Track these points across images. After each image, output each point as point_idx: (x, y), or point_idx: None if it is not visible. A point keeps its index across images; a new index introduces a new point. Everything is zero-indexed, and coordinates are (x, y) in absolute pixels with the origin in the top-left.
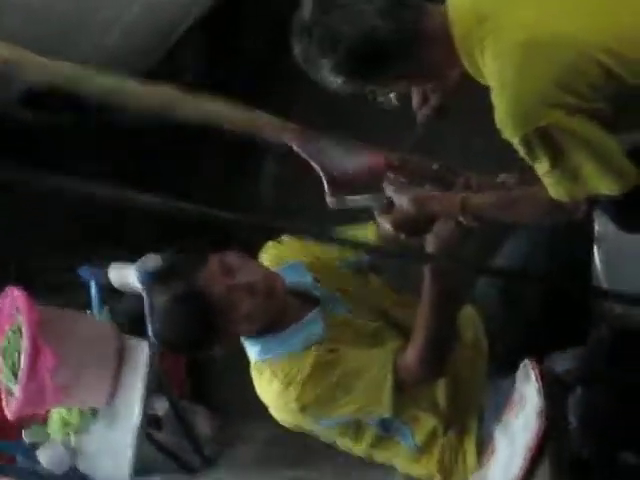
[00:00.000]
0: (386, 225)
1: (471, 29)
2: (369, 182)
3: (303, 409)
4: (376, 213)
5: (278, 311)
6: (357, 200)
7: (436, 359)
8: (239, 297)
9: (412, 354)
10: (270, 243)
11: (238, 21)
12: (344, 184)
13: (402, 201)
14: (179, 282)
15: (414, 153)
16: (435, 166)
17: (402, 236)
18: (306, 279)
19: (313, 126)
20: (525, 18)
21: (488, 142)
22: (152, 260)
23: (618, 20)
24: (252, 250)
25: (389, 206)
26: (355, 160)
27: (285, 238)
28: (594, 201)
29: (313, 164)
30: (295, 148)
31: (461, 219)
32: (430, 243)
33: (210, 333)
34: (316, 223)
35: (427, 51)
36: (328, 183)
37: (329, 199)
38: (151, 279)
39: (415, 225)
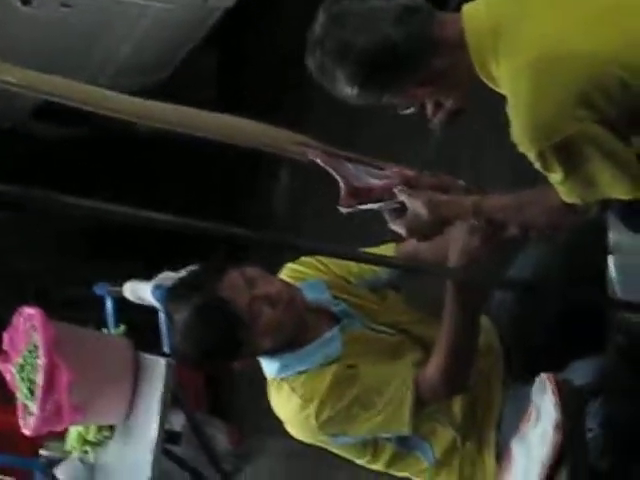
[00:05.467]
0: (399, 230)
1: (486, 41)
2: (387, 196)
3: (322, 425)
4: (388, 219)
5: (297, 326)
6: (368, 206)
7: (458, 374)
8: (260, 308)
9: (434, 370)
10: (289, 263)
11: (247, 37)
12: (362, 195)
13: (415, 205)
14: (200, 293)
15: (431, 162)
16: (462, 182)
17: (416, 240)
18: (325, 296)
19: (327, 139)
20: (539, 34)
21: (500, 154)
22: (169, 277)
23: (628, 30)
24: (267, 268)
25: (400, 211)
26: (376, 175)
27: (304, 258)
28: (606, 203)
29: (336, 176)
30: (319, 162)
31: (473, 222)
32: (454, 258)
33: (231, 344)
34: (333, 240)
35: (441, 59)
36: (347, 193)
37: (342, 206)
38: (170, 293)
39: (428, 229)
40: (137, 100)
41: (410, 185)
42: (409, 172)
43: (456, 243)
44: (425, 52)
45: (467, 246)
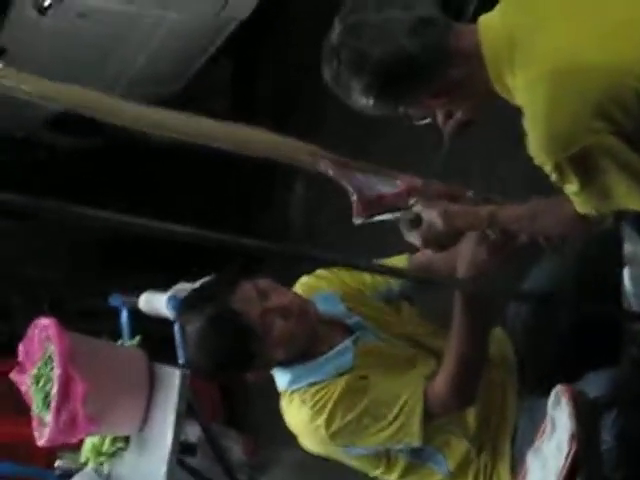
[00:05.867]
0: (415, 241)
1: (501, 52)
2: (400, 204)
3: (332, 436)
4: (404, 230)
5: (310, 338)
6: (383, 216)
7: (467, 387)
8: (273, 320)
9: (442, 382)
10: (303, 277)
11: (261, 48)
12: (375, 205)
13: (431, 216)
14: (212, 305)
15: (441, 173)
16: (470, 194)
17: (431, 251)
18: (339, 308)
19: (341, 149)
20: (555, 46)
21: (513, 165)
22: (184, 289)
23: None
24: (283, 279)
25: (416, 222)
26: (387, 183)
27: (318, 271)
28: (621, 213)
29: (347, 187)
30: (330, 173)
31: (489, 232)
32: (462, 269)
33: (243, 356)
34: (347, 251)
35: (457, 70)
36: (359, 204)
37: (356, 217)
38: (184, 304)
39: (444, 240)
40: (150, 110)
41: (419, 194)
42: (419, 181)
43: (464, 254)
44: (441, 63)
45: (475, 257)
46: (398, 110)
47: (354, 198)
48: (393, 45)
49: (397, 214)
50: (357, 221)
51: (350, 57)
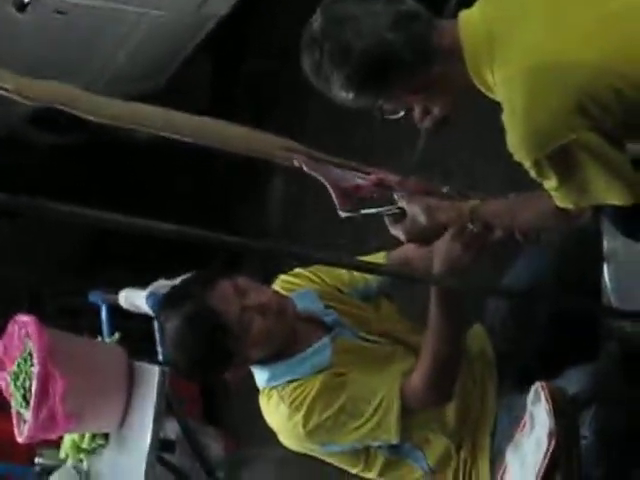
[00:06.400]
0: (399, 235)
1: (481, 48)
2: (377, 193)
3: (310, 433)
4: (388, 223)
5: (287, 336)
6: (369, 210)
7: (443, 383)
8: (251, 318)
9: (418, 378)
10: (282, 275)
11: (242, 43)
12: (353, 195)
13: (414, 210)
14: (190, 303)
15: (418, 168)
16: (445, 189)
17: (415, 245)
18: (317, 306)
19: (321, 146)
20: (535, 42)
21: (492, 162)
22: (163, 285)
23: (624, 40)
24: (265, 276)
25: (401, 216)
26: (362, 176)
27: (296, 269)
28: (599, 209)
29: (322, 180)
30: (304, 168)
31: (471, 227)
32: (437, 265)
33: (221, 354)
34: (326, 248)
35: (438, 65)
36: (339, 196)
37: (340, 210)
38: (162, 302)
39: (427, 234)
40: (124, 105)
41: (395, 185)
42: (394, 177)
43: (439, 250)
44: (423, 59)
45: (449, 253)
46: (377, 103)
47: (332, 192)
48: (377, 39)
49: (382, 209)
50: (342, 214)
51: (333, 49)
